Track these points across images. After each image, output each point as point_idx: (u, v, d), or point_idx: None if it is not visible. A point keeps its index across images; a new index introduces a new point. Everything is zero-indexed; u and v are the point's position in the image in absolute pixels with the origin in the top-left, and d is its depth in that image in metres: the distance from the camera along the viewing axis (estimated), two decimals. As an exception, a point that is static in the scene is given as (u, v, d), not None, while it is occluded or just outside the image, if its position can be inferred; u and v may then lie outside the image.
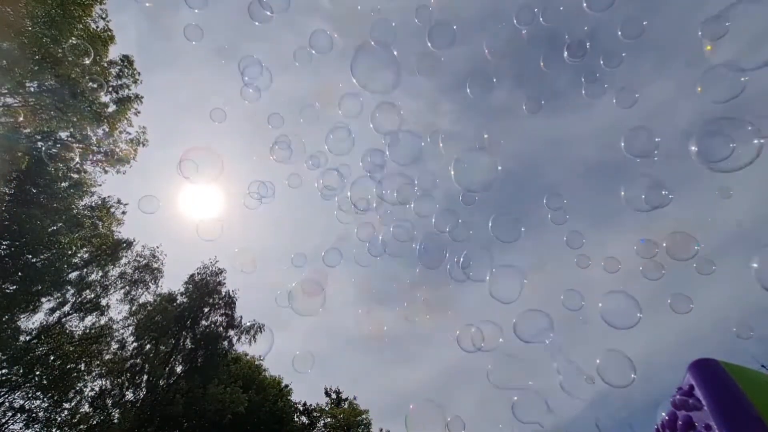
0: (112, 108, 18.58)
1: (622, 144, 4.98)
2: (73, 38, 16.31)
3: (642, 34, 5.41)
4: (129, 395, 19.86)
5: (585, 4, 5.17)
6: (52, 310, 18.23)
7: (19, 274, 16.15)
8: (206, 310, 23.35)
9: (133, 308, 21.13)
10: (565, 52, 5.75)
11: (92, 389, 18.93)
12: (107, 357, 19.61)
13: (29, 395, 16.62)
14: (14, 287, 16.31)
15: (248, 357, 27.55)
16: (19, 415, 16.35)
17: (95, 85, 14.83)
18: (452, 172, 4.92)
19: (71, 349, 17.78)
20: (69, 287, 18.62)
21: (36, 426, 16.64)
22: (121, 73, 18.52)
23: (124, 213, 20.16)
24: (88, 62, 16.18)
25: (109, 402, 19.04)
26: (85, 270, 19.41)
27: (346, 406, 30.44)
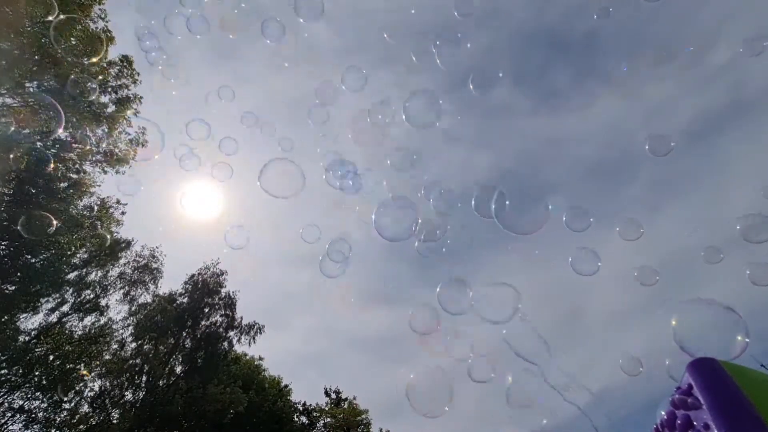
0: (111, 108, 18.54)
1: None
2: (73, 38, 16.28)
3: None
4: (128, 395, 19.86)
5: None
6: (52, 311, 18.21)
7: (19, 274, 16.13)
8: (206, 310, 23.37)
9: (133, 308, 21.12)
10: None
11: (92, 389, 18.93)
12: (107, 357, 19.60)
13: (29, 396, 16.60)
14: (14, 287, 16.28)
15: (248, 357, 27.56)
16: (18, 416, 16.34)
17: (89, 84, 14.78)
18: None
19: (71, 349, 17.76)
20: (68, 287, 18.60)
21: (35, 426, 16.63)
22: (120, 74, 18.48)
23: (123, 213, 20.14)
24: (87, 63, 16.17)
25: (109, 402, 19.03)
26: (84, 270, 19.40)
27: (346, 406, 30.41)
